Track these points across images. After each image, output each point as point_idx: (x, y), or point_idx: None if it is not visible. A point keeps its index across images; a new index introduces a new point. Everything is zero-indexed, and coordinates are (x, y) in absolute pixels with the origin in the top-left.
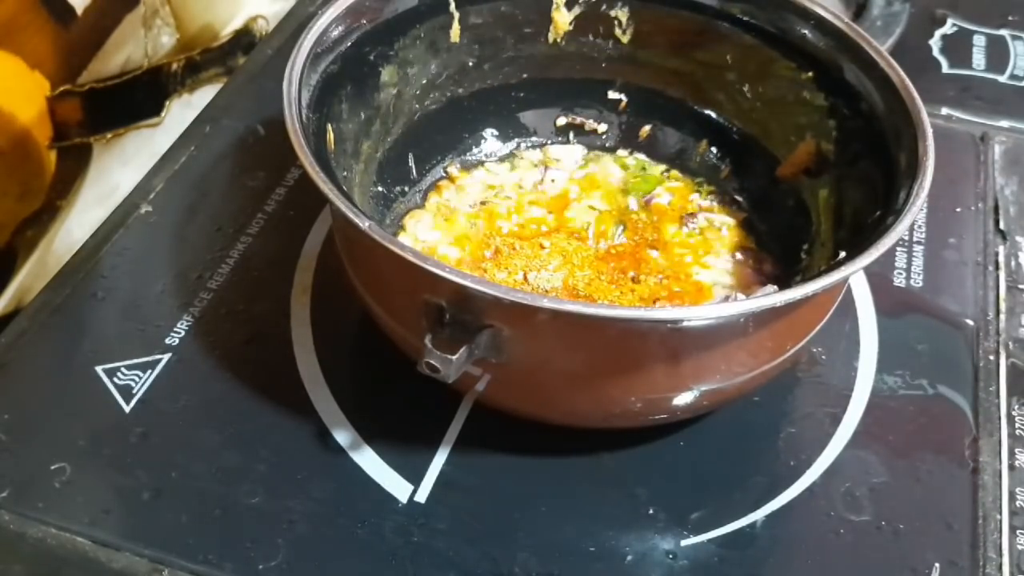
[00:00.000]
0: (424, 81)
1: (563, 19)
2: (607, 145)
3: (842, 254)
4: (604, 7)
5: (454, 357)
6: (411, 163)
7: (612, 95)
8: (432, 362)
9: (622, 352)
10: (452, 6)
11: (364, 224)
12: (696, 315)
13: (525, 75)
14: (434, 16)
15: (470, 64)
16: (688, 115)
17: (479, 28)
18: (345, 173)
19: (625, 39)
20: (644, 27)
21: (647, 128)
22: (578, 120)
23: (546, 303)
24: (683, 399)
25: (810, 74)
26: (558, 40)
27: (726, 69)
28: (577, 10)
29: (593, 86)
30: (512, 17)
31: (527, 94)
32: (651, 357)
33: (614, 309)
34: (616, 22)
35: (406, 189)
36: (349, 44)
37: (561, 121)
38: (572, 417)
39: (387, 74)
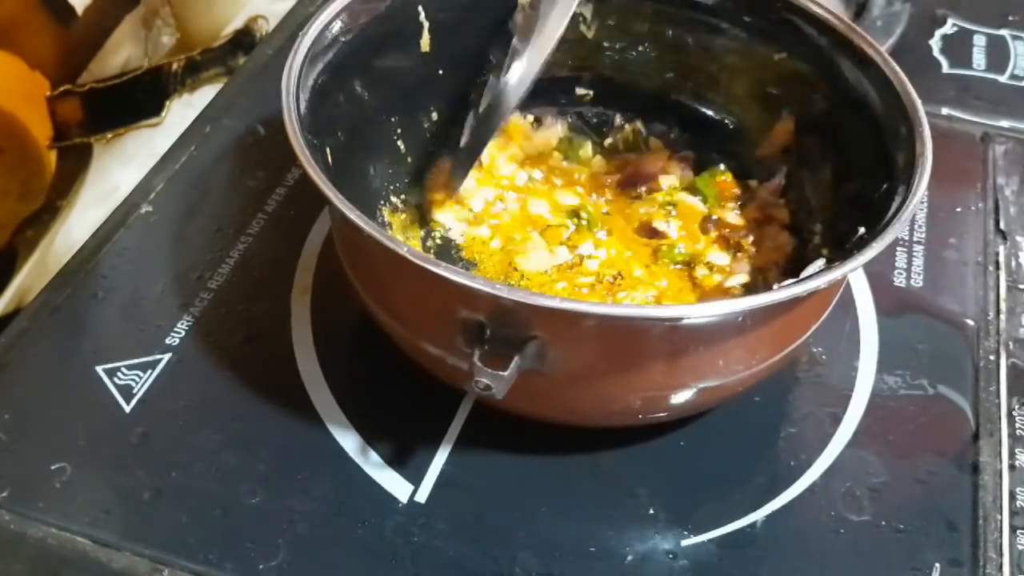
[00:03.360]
0: (415, 83)
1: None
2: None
3: (848, 244)
4: None
5: (506, 373)
6: (408, 164)
7: (580, 90)
8: (484, 380)
9: (661, 350)
10: (422, 15)
11: (403, 250)
12: (746, 306)
13: (497, 76)
14: (408, 24)
15: (439, 73)
16: (661, 106)
17: (448, 34)
18: (343, 173)
19: (590, 35)
20: (610, 22)
21: (618, 121)
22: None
23: (598, 309)
24: (688, 395)
25: (809, 73)
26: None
27: (715, 65)
28: None
29: (561, 83)
30: (478, 20)
31: None
32: (675, 352)
33: (666, 309)
34: (581, 18)
35: (402, 190)
36: (347, 44)
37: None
38: (580, 416)
39: (383, 74)
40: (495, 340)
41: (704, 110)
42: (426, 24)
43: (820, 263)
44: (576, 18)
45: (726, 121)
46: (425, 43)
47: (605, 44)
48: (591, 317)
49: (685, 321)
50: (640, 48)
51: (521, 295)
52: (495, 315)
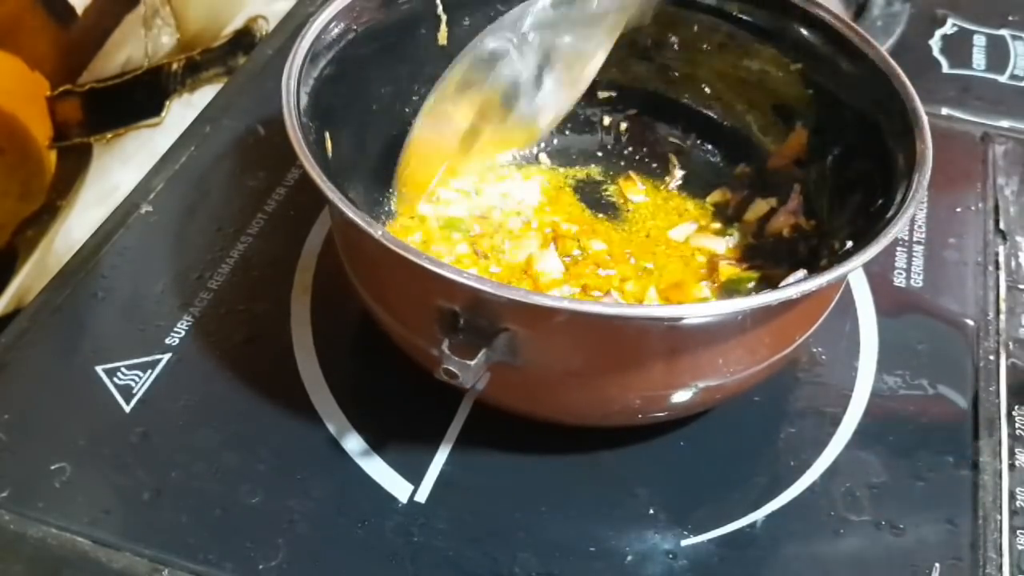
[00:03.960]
0: (417, 83)
1: None
2: (599, 147)
3: (849, 244)
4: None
5: (472, 363)
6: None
7: (601, 94)
8: (450, 368)
9: (636, 349)
10: (440, 8)
11: (378, 233)
12: (720, 310)
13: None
14: (424, 18)
15: None
16: (676, 109)
17: (466, 30)
18: (343, 173)
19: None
20: (629, 28)
21: (634, 123)
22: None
23: (567, 305)
24: (689, 394)
25: (808, 73)
26: None
27: (717, 65)
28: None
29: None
30: (496, 13)
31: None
32: (664, 353)
33: (636, 308)
34: None
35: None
36: (347, 44)
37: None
38: (577, 416)
39: (384, 74)
40: (467, 330)
41: (712, 115)
42: (444, 17)
43: (800, 274)
44: None
45: (732, 127)
46: (443, 36)
47: (624, 50)
48: (560, 312)
49: (680, 322)
50: (653, 51)
51: (489, 285)
52: (467, 305)
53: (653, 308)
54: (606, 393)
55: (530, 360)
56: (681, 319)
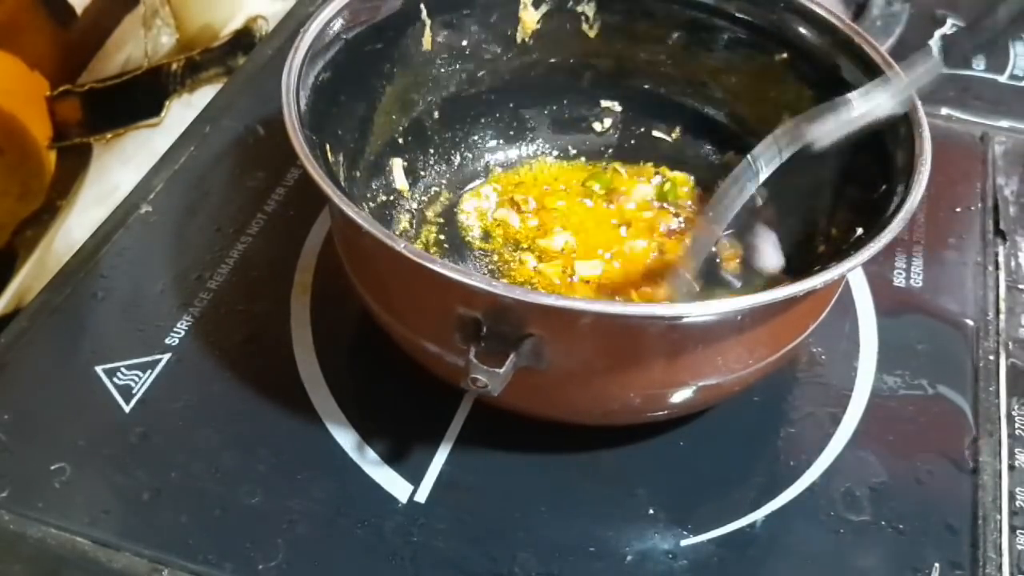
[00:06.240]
0: (414, 83)
1: (530, 18)
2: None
3: (858, 231)
4: (571, 3)
5: (501, 370)
6: (405, 165)
7: (582, 86)
8: (479, 377)
9: (659, 347)
10: (424, 13)
11: (400, 246)
12: (745, 305)
13: (500, 79)
14: (410, 23)
15: (443, 72)
16: (663, 105)
17: (450, 34)
18: (343, 174)
19: (592, 34)
20: (611, 21)
21: (615, 116)
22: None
23: (595, 307)
24: (687, 393)
25: (807, 74)
26: (526, 40)
27: (709, 62)
28: (544, 8)
29: (566, 84)
30: (481, 20)
31: (504, 98)
32: (684, 350)
33: (662, 307)
34: (583, 17)
35: (400, 191)
36: (346, 43)
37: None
38: (576, 414)
39: (382, 73)
40: (491, 337)
41: (705, 111)
42: (428, 22)
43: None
44: (578, 17)
45: (727, 122)
46: (427, 41)
47: (607, 43)
48: (587, 315)
49: (684, 320)
50: (641, 48)
51: (517, 292)
52: (491, 312)
53: (679, 307)
54: (614, 391)
55: (553, 363)
56: (702, 315)
